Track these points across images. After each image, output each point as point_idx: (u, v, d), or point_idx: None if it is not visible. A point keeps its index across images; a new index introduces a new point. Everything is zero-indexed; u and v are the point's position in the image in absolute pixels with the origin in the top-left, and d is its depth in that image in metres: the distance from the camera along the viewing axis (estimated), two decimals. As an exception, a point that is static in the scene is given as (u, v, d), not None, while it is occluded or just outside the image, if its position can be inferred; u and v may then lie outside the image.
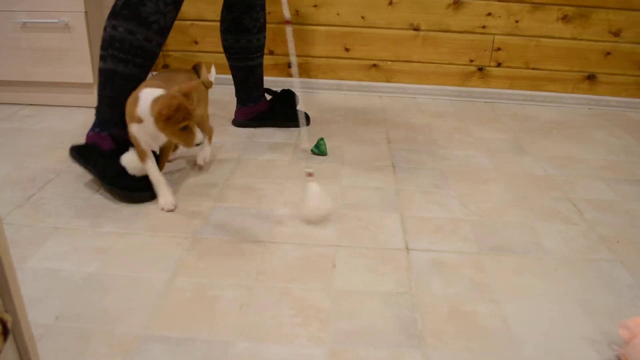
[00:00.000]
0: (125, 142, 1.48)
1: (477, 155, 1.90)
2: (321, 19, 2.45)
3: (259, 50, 1.95)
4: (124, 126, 1.44)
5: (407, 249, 1.30)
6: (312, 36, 2.48)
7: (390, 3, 2.41)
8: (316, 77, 2.56)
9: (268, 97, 2.19)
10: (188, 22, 2.47)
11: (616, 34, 2.44)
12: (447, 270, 1.23)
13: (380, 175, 1.68)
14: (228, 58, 1.97)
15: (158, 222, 1.37)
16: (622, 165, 1.90)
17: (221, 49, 2.49)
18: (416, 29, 2.46)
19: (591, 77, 2.54)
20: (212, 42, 2.50)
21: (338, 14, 2.43)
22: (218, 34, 2.47)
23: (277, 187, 1.57)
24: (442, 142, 2.00)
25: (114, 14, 1.43)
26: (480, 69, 2.54)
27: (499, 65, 2.52)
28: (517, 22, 2.44)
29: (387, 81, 2.56)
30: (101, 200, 1.46)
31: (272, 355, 0.96)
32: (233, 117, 2.08)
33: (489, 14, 2.42)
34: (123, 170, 1.46)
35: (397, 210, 1.48)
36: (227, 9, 1.85)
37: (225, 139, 1.92)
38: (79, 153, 1.50)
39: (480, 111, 2.42)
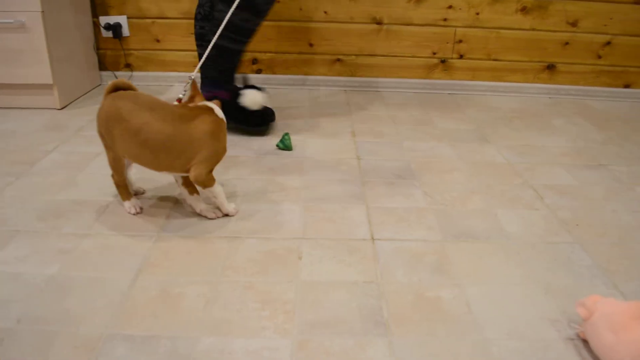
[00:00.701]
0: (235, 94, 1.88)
1: (441, 146, 1.92)
2: (284, 15, 2.44)
3: (252, 34, 1.86)
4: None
5: (373, 239, 1.31)
6: (276, 32, 2.47)
7: (352, -3, 2.42)
8: (280, 73, 2.55)
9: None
10: (149, 20, 2.44)
11: (573, 24, 2.50)
12: (412, 259, 1.24)
13: (346, 167, 1.69)
14: (209, 32, 1.82)
15: (121, 222, 1.35)
16: (581, 151, 1.95)
17: (184, 48, 2.47)
18: (379, 23, 2.47)
19: (551, 67, 2.59)
20: (174, 40, 2.48)
21: (301, 9, 2.43)
22: (181, 31, 2.45)
23: (240, 182, 1.57)
24: (407, 134, 2.02)
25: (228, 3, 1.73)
26: (443, 61, 2.57)
27: (461, 57, 2.56)
28: (477, 14, 2.47)
29: (352, 75, 2.57)
30: (62, 203, 1.44)
31: (238, 348, 0.96)
32: None
33: (450, 7, 2.45)
34: (243, 109, 1.87)
35: (362, 202, 1.49)
36: None
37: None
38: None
39: (443, 103, 2.45)
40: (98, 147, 1.78)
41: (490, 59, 2.56)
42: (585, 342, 1.01)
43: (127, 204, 1.40)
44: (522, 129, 2.15)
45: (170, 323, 1.02)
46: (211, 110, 1.31)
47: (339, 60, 2.54)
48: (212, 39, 1.61)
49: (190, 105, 1.33)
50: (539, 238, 1.36)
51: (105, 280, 1.13)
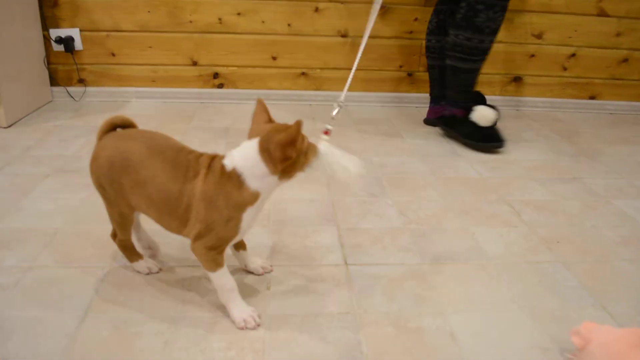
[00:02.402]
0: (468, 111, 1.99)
1: (412, 161, 1.85)
2: (246, 27, 2.35)
3: (482, 52, 1.94)
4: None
5: (346, 264, 1.22)
6: (237, 45, 2.38)
7: (317, 10, 2.35)
8: (243, 88, 2.45)
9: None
10: (103, 33, 2.31)
11: (539, 36, 2.48)
12: (390, 285, 1.16)
13: (314, 186, 1.60)
14: (435, 56, 2.14)
15: (70, 252, 1.22)
16: (553, 164, 1.91)
17: (141, 62, 2.35)
18: (344, 36, 2.41)
19: (517, 79, 2.57)
20: (130, 54, 2.35)
21: (263, 22, 2.35)
22: (137, 45, 2.33)
23: (204, 205, 1.46)
24: (376, 149, 1.94)
25: (455, 25, 1.91)
26: (410, 75, 2.52)
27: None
28: (443, 26, 2.43)
29: (317, 89, 2.49)
30: (3, 232, 1.30)
31: (202, 396, 0.85)
32: None
33: (416, 19, 2.41)
34: (476, 126, 1.95)
35: (334, 223, 1.40)
36: (454, 2, 1.94)
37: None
38: (445, 123, 2.10)
39: (411, 116, 2.39)
40: (46, 167, 1.64)
41: (457, 72, 2.51)
42: (579, 372, 0.94)
43: (138, 265, 1.15)
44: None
45: (124, 368, 0.90)
46: (222, 166, 0.94)
47: (303, 73, 2.46)
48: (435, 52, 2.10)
49: (210, 155, 0.99)
50: (520, 257, 1.29)
51: (49, 320, 1.01)
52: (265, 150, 0.92)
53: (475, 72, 1.99)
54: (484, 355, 0.97)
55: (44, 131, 1.96)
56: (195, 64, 2.39)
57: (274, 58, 2.42)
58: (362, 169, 1.08)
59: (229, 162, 0.94)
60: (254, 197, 0.94)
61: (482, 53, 1.93)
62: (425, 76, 2.51)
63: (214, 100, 2.43)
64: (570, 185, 1.73)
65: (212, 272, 0.98)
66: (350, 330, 1.01)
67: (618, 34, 2.52)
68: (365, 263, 1.23)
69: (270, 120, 1.00)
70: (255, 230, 1.34)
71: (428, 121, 2.27)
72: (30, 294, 1.07)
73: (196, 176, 0.94)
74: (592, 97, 2.64)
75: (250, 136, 0.96)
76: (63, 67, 2.35)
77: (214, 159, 0.97)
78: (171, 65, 2.38)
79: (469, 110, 1.99)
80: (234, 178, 0.93)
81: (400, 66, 2.49)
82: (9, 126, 2.00)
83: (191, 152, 1.00)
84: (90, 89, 2.38)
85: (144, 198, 0.98)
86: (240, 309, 1.01)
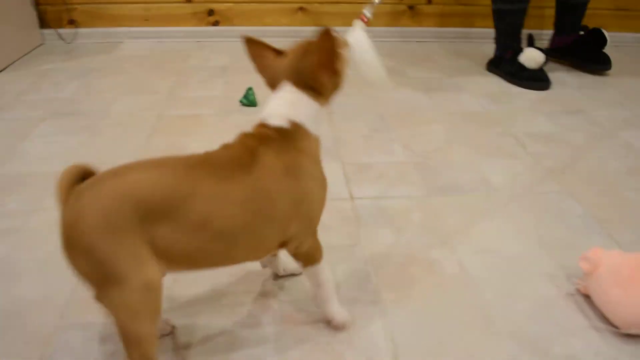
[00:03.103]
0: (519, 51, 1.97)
1: (415, 96, 1.82)
2: (239, -39, 2.26)
3: None
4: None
5: (352, 197, 1.22)
6: (232, -20, 2.29)
7: (313, -60, 2.25)
8: (240, 25, 2.38)
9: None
10: (91, -29, 2.22)
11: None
12: (396, 217, 1.15)
13: (317, 123, 1.58)
14: None
15: (73, 193, 1.21)
16: (558, 97, 1.88)
17: (134, 0, 2.27)
18: (342, -33, 2.32)
19: (520, 10, 2.49)
20: (121, -8, 2.27)
21: (257, -45, 2.26)
22: (127, -18, 2.24)
23: (205, 145, 1.43)
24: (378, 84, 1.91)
25: None
26: (411, 8, 2.44)
27: (429, 2, 2.43)
28: (445, -45, 2.34)
29: (316, 25, 2.42)
30: (3, 177, 1.28)
31: (215, 327, 0.86)
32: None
33: (416, -52, 2.31)
34: (522, 66, 1.95)
35: (338, 158, 1.38)
36: None
37: (143, 97, 1.75)
38: (492, 64, 2.11)
39: (413, 51, 2.34)
40: (42, 111, 1.61)
41: (460, 4, 2.44)
42: (586, 297, 0.95)
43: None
44: (496, 75, 2.06)
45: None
46: (279, 134, 0.75)
47: (301, 9, 2.38)
48: None
49: (251, 132, 0.78)
50: (526, 189, 1.28)
51: (58, 260, 1.00)
52: (306, 85, 0.76)
53: (520, 13, 1.99)
54: (493, 284, 0.97)
55: (37, 75, 1.91)
56: (189, 0, 2.31)
57: (270, -7, 2.34)
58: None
59: (281, 120, 0.76)
60: (318, 142, 0.80)
61: None
62: (427, 9, 2.44)
63: (210, 39, 2.37)
64: (575, 117, 1.70)
65: (319, 262, 0.81)
66: (359, 262, 1.01)
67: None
68: (371, 196, 1.22)
69: (278, 53, 0.82)
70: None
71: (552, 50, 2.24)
72: (36, 236, 1.07)
73: (257, 161, 0.72)
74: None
75: (270, 82, 0.81)
76: (52, 8, 2.27)
77: (256, 132, 0.77)
78: (164, 2, 2.30)
79: (517, 51, 1.98)
80: (297, 132, 0.76)
81: (401, -1, 2.42)
82: (0, 71, 1.95)
83: (220, 148, 0.78)
84: (81, 30, 2.31)
85: (211, 235, 0.68)
86: (339, 307, 0.86)
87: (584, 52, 2.13)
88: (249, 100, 1.66)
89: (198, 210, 0.66)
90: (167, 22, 2.34)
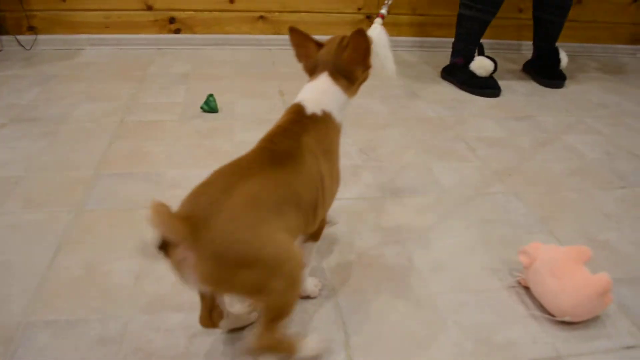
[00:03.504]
0: (470, 59, 2.08)
1: (371, 103, 1.89)
2: (201, -30, 2.30)
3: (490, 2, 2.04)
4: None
5: (310, 200, 1.27)
6: (193, -12, 2.33)
7: (273, -50, 2.30)
8: (201, 33, 2.41)
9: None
10: (51, -22, 2.22)
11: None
12: (351, 217, 1.21)
13: (276, 128, 1.62)
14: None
15: (34, 199, 1.22)
16: (507, 103, 1.97)
17: (93, 7, 2.28)
18: (301, -22, 2.38)
19: (473, 21, 2.60)
20: (81, 0, 2.27)
21: (218, -36, 2.30)
22: (87, -11, 2.25)
23: (166, 149, 1.47)
24: (337, 92, 1.96)
25: None
26: (369, 17, 2.52)
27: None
28: (401, -33, 2.43)
29: (276, 33, 2.47)
30: (-37, 179, 1.29)
31: (175, 323, 0.89)
32: None
33: (373, -40, 2.39)
34: (473, 74, 2.05)
35: (296, 163, 1.43)
36: None
37: (104, 104, 1.76)
38: (445, 71, 2.21)
39: (371, 59, 2.40)
40: (1, 117, 1.61)
41: (416, 14, 2.53)
42: (526, 288, 1.02)
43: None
44: (449, 83, 2.15)
45: (99, 303, 0.93)
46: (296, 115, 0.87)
47: (262, 17, 2.43)
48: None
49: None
50: (474, 190, 1.36)
51: (19, 263, 1.02)
52: (340, 78, 0.89)
53: (480, 22, 2.05)
54: (440, 277, 1.04)
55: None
56: (150, 8, 2.33)
57: (232, 1, 2.38)
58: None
59: (314, 107, 0.87)
60: (340, 128, 0.91)
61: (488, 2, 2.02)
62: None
63: (172, 46, 2.39)
64: (523, 123, 1.80)
65: (318, 241, 0.92)
66: (315, 260, 1.06)
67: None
68: (328, 199, 1.27)
69: (318, 44, 0.93)
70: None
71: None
72: (-3, 239, 1.08)
73: (304, 151, 0.82)
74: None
75: (309, 69, 0.93)
76: (11, 15, 2.26)
77: (297, 120, 0.87)
78: (125, 10, 2.32)
79: (469, 59, 2.08)
80: (328, 120, 0.87)
81: (359, 8, 2.49)
82: (-42, 76, 1.94)
83: (272, 137, 0.86)
84: (41, 37, 2.30)
85: (306, 209, 0.81)
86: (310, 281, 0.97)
87: (541, 68, 2.24)
88: (209, 107, 1.70)
89: (297, 196, 0.78)
90: (128, 30, 2.35)
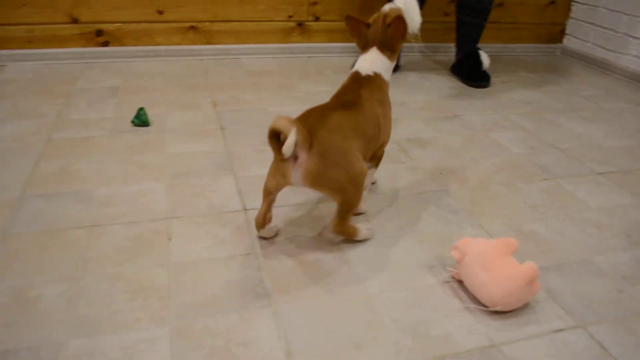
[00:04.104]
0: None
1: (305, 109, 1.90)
2: (126, -19, 2.25)
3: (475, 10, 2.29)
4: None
5: (245, 209, 1.26)
6: (119, 0, 2.27)
7: (199, -40, 2.29)
8: (130, 45, 2.36)
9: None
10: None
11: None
12: (288, 225, 1.21)
13: (209, 139, 1.61)
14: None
15: (-45, 224, 1.17)
16: (436, 104, 2.03)
17: (14, 21, 2.20)
18: (230, -13, 2.38)
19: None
20: (1, 14, 2.18)
21: (144, -25, 2.26)
22: (8, 2, 2.16)
23: (96, 165, 1.43)
24: (270, 100, 1.97)
25: None
26: (300, 24, 2.54)
27: (317, 19, 2.55)
28: (328, -26, 2.47)
29: (208, 43, 2.45)
30: None
31: (112, 346, 0.87)
32: None
33: (301, -32, 2.42)
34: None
35: (231, 172, 1.43)
36: None
37: (29, 122, 1.70)
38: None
39: (303, 66, 2.43)
40: None
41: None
42: (460, 282, 1.05)
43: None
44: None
45: (29, 331, 0.90)
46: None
47: (192, 27, 2.41)
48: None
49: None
50: (407, 190, 1.39)
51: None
52: (385, 50, 1.20)
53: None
54: (377, 278, 1.06)
55: None
56: (75, 21, 2.27)
57: (160, 12, 2.34)
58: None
59: (367, 70, 1.20)
60: (388, 84, 1.24)
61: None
62: (315, 25, 2.54)
63: (100, 60, 2.33)
64: (452, 122, 1.86)
65: (378, 167, 1.32)
66: (252, 270, 1.06)
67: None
68: (264, 207, 1.28)
69: (367, 25, 1.21)
70: (152, 185, 1.34)
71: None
72: None
73: (362, 99, 1.15)
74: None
75: (362, 46, 1.23)
76: None
77: (356, 80, 1.20)
78: (49, 23, 2.24)
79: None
80: (379, 78, 1.20)
81: (290, 16, 2.51)
82: None
83: (341, 92, 1.19)
84: (-42, 54, 2.20)
85: (367, 139, 1.13)
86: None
87: (466, 69, 2.32)
88: (141, 120, 1.67)
89: (362, 128, 1.11)
90: (53, 44, 2.28)
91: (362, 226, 1.17)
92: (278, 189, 1.10)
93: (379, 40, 1.20)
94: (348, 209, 1.09)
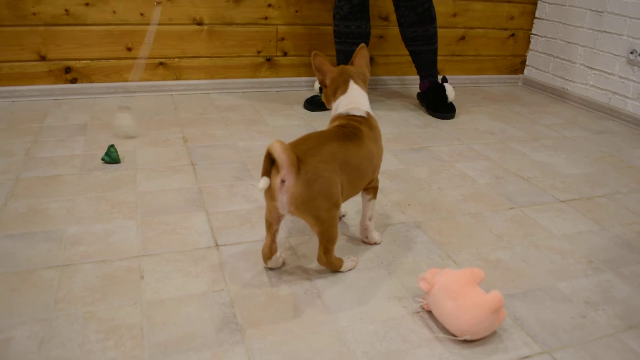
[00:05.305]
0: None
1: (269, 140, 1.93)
2: (96, 18, 2.27)
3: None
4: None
5: (217, 245, 1.27)
6: (88, 37, 2.29)
7: (169, -2, 2.33)
8: (99, 81, 2.37)
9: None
10: None
11: (385, 18, 2.67)
12: (259, 260, 1.23)
13: (181, 175, 1.62)
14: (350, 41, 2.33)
15: None
16: (404, 136, 2.09)
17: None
18: (200, 24, 2.41)
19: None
20: None
21: (114, 12, 2.28)
22: None
23: (65, 204, 1.43)
24: (240, 135, 2.00)
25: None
26: (268, 59, 2.59)
27: (285, 54, 2.60)
28: (296, 11, 2.53)
29: (177, 79, 2.48)
30: None
31: (83, 388, 0.87)
32: None
33: (270, 5, 2.48)
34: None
35: (202, 209, 1.44)
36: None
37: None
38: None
39: (272, 100, 2.47)
40: None
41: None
42: (429, 312, 1.08)
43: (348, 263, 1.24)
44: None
45: (-3, 375, 0.89)
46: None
47: (161, 63, 2.44)
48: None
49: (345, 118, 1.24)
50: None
51: None
52: (361, 80, 1.29)
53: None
54: (348, 311, 1.08)
55: None
56: (43, 58, 2.27)
57: (129, 49, 2.36)
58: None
59: (361, 112, 1.24)
60: (377, 122, 1.29)
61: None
62: (284, 60, 2.60)
63: (68, 97, 2.33)
64: (419, 154, 1.91)
65: (376, 198, 1.30)
66: (225, 306, 1.07)
67: (454, 15, 2.78)
68: (235, 242, 1.29)
69: (331, 64, 1.30)
70: (123, 222, 1.34)
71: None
72: None
73: (363, 135, 1.18)
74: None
75: (332, 85, 1.28)
76: None
77: (355, 119, 1.22)
78: (16, 61, 2.24)
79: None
80: (370, 117, 1.25)
81: (259, 52, 2.56)
82: None
83: (341, 127, 1.19)
84: None
85: (358, 175, 1.17)
86: (376, 232, 1.35)
87: (432, 102, 2.38)
88: (111, 157, 1.67)
89: (356, 163, 1.14)
90: (21, 81, 2.27)
91: (345, 258, 1.21)
92: (277, 219, 1.12)
93: (356, 73, 1.27)
94: (328, 239, 1.12)
